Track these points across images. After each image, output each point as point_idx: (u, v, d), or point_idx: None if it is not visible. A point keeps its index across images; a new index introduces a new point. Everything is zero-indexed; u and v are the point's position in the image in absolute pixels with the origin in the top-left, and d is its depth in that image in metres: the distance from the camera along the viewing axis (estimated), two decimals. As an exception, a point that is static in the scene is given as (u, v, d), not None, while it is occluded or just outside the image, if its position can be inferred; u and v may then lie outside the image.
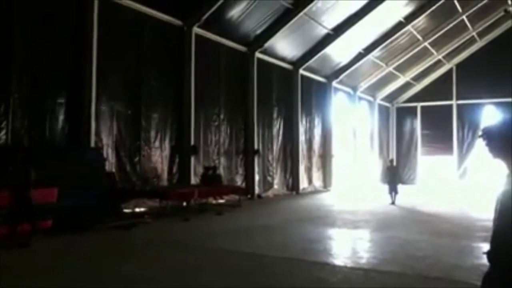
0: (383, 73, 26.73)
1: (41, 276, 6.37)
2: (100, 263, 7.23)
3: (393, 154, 31.52)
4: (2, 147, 9.87)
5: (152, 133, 14.23)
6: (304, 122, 22.35)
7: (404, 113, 31.73)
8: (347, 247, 9.29)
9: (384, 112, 31.41)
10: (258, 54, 18.56)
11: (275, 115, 20.40)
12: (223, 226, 11.43)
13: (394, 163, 18.93)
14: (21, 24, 10.68)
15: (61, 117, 11.55)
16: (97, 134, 12.08)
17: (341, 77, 24.27)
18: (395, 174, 17.75)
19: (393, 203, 16.61)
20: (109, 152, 12.64)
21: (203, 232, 10.52)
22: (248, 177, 18.27)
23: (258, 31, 17.86)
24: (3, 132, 10.22)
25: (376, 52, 23.63)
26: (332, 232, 10.86)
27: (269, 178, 19.72)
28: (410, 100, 31.33)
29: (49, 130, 11.22)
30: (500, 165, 2.24)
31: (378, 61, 25.10)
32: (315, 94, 23.34)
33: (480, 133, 2.30)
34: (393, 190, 16.94)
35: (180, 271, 6.80)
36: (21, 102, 10.64)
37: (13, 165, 9.24)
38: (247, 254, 8.03)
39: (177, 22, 15.04)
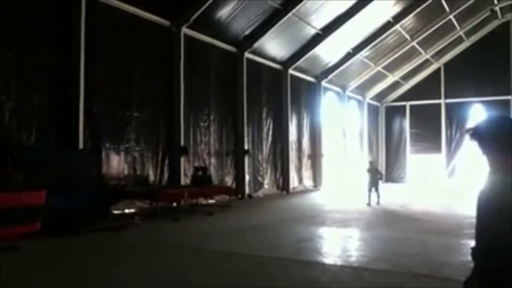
0: (372, 73, 26.91)
1: (29, 279, 6.31)
2: (89, 265, 7.16)
3: (382, 153, 31.80)
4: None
5: (142, 134, 14.15)
6: (294, 122, 22.41)
7: (393, 112, 31.95)
8: (337, 246, 9.34)
9: (373, 111, 31.60)
10: (247, 54, 18.57)
11: (265, 115, 20.43)
12: (213, 226, 11.42)
13: (374, 164, 18.18)
14: (8, 25, 10.57)
15: (49, 119, 11.46)
16: (86, 136, 11.97)
17: (330, 76, 24.39)
18: (375, 175, 17.15)
19: (377, 203, 16.24)
20: (98, 154, 12.53)
21: (193, 233, 10.49)
22: (239, 177, 18.28)
23: (247, 32, 17.88)
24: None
25: (365, 52, 23.78)
26: (323, 231, 10.91)
27: (259, 178, 19.74)
28: (399, 99, 31.56)
29: (37, 132, 11.12)
30: (484, 162, 2.28)
31: (367, 61, 25.26)
32: (304, 94, 23.42)
33: (468, 130, 2.33)
34: (375, 191, 16.51)
35: (170, 272, 6.78)
36: (8, 104, 10.53)
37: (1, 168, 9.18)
38: (237, 254, 8.04)
39: (165, 22, 14.98)
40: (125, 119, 13.60)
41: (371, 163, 18.19)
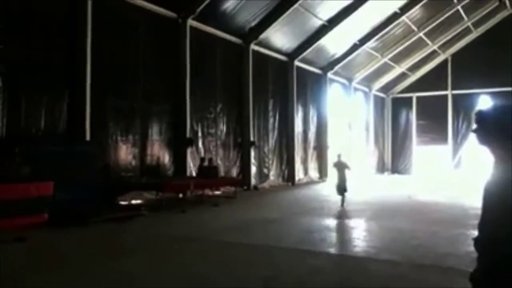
0: (378, 64, 26.77)
1: (34, 272, 6.40)
2: (95, 257, 7.23)
3: (388, 144, 31.71)
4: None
5: (149, 126, 14.24)
6: (299, 113, 22.39)
7: (400, 104, 31.81)
8: (343, 237, 9.37)
9: (379, 103, 31.48)
10: (253, 46, 18.52)
11: (271, 106, 20.42)
12: (219, 218, 11.49)
13: (342, 158, 14.30)
14: (15, 17, 10.62)
15: (56, 110, 11.55)
16: (93, 127, 12.04)
17: (336, 68, 24.29)
18: (343, 171, 13.74)
19: (342, 204, 13.22)
20: (105, 145, 12.64)
21: (200, 224, 10.57)
22: (244, 168, 18.34)
23: (253, 23, 17.82)
24: (-1, 126, 10.22)
25: (371, 43, 23.65)
26: (329, 222, 10.92)
27: (265, 170, 19.79)
28: (405, 90, 31.40)
29: (45, 124, 11.22)
30: (486, 152, 2.27)
31: (373, 52, 25.12)
32: (310, 86, 23.36)
33: (474, 116, 2.31)
34: (341, 191, 13.41)
35: (177, 264, 6.85)
36: (16, 95, 10.62)
37: (9, 159, 9.29)
38: (243, 245, 8.09)
39: (171, 14, 14.97)
40: (132, 111, 13.65)
41: (339, 156, 14.55)
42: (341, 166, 13.96)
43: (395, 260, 6.86)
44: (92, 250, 7.68)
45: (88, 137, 11.88)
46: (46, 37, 11.32)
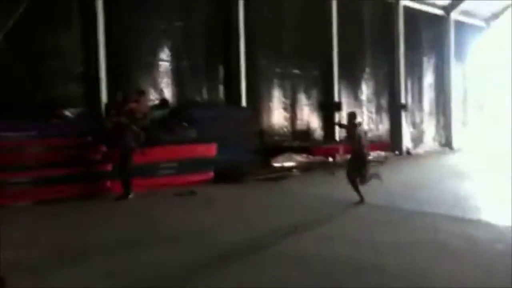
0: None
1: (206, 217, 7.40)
2: (256, 210, 8.02)
3: None
4: (171, 110, 11.28)
5: (299, 91, 14.63)
6: (458, 71, 20.52)
7: None
8: (507, 206, 8.48)
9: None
10: (403, 2, 17.46)
11: (424, 65, 19.14)
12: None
13: (357, 120, 8.92)
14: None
15: (216, 79, 12.68)
16: (247, 94, 12.88)
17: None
18: (360, 144, 8.39)
19: (361, 200, 8.24)
20: (259, 110, 13.44)
21: (345, 185, 10.76)
22: (396, 133, 17.72)
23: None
24: (168, 95, 11.69)
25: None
26: (490, 189, 10.05)
27: (418, 134, 18.85)
28: None
29: (207, 92, 12.46)
30: None
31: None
32: (471, 40, 21.13)
33: None
34: (356, 174, 8.29)
35: (321, 219, 7.26)
36: (182, 69, 11.94)
37: (178, 125, 10.65)
38: (388, 209, 8.01)
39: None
40: (283, 77, 14.15)
41: (351, 116, 8.90)
42: (355, 135, 8.46)
43: None
44: (252, 206, 8.48)
45: (243, 103, 12.82)
46: (200, 14, 12.36)
